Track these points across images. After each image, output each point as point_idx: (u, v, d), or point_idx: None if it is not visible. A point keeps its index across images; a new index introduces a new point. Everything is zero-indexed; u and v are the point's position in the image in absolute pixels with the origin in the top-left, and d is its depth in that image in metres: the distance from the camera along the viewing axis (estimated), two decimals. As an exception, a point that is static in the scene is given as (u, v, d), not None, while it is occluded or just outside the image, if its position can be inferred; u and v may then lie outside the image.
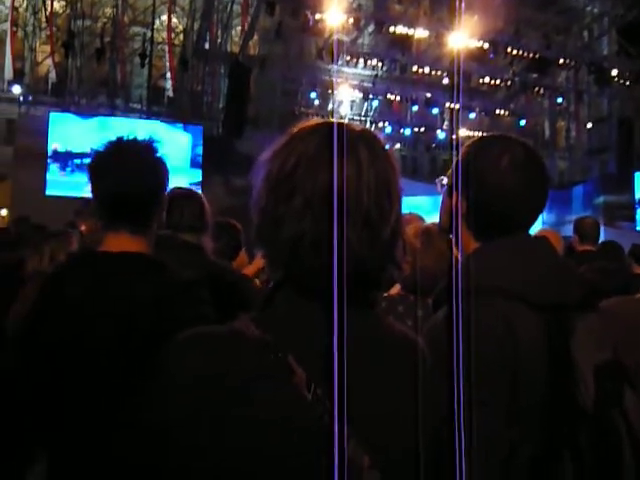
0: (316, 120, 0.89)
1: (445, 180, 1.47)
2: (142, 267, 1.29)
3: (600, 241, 4.58)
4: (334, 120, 0.88)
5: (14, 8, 24.19)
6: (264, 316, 0.84)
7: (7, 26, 25.46)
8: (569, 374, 1.29)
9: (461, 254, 1.37)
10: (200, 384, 0.78)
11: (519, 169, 1.36)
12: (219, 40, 18.37)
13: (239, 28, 19.96)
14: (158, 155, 1.40)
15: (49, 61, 23.35)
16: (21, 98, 22.81)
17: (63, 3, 22.57)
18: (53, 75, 22.49)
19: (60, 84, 21.80)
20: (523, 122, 21.30)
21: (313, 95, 18.45)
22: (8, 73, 25.33)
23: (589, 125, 23.17)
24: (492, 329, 1.25)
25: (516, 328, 1.26)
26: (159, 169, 1.38)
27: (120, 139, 1.40)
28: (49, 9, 21.41)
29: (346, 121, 0.89)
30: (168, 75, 20.47)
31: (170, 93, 20.91)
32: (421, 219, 2.94)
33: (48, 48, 23.50)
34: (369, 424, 0.78)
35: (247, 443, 0.76)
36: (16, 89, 25.18)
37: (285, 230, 0.82)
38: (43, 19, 22.71)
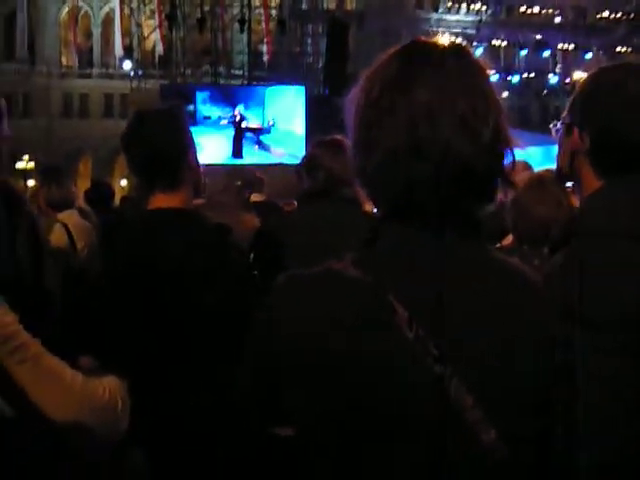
0: (396, 46, 0.87)
1: (560, 122, 1.36)
2: (171, 220, 1.48)
3: None
4: (415, 40, 0.87)
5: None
6: (366, 253, 0.82)
7: (114, 4, 26.80)
8: None
9: (581, 196, 1.26)
10: (303, 329, 0.79)
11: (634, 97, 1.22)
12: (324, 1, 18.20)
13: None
14: (177, 120, 1.58)
15: (155, 35, 24.33)
16: (132, 73, 24.01)
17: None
18: (160, 48, 23.45)
19: (166, 56, 22.69)
20: (647, 58, 19.49)
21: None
22: (118, 50, 26.78)
23: None
24: (613, 273, 1.15)
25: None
26: (179, 132, 1.54)
27: (142, 110, 1.62)
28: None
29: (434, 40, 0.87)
30: (268, 39, 20.68)
31: (267, 57, 21.14)
32: (530, 167, 2.78)
33: (153, 22, 24.49)
34: (476, 361, 0.77)
35: (356, 384, 0.76)
36: (127, 65, 26.61)
37: (379, 152, 0.80)
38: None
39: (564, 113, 1.32)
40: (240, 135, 13.91)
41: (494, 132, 0.80)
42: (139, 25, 25.28)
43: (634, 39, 19.50)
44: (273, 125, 13.94)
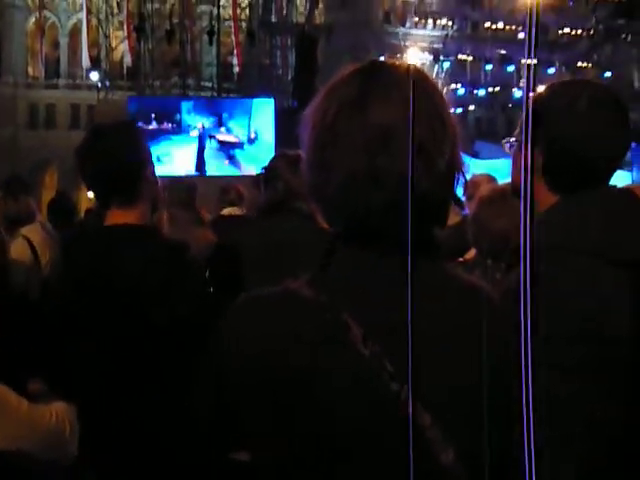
0: (354, 65, 0.86)
1: (513, 138, 1.38)
2: (127, 236, 1.46)
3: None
4: (373, 61, 0.86)
5: (87, -4, 25.14)
6: (320, 274, 0.83)
7: (82, 15, 26.51)
8: None
9: (536, 212, 1.28)
10: (263, 347, 0.79)
11: (598, 109, 1.25)
12: (284, 12, 18.30)
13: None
14: (134, 134, 1.57)
15: (123, 46, 24.11)
16: (99, 84, 23.71)
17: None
18: (128, 59, 23.25)
19: (134, 68, 22.49)
20: (608, 74, 20.05)
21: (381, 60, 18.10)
22: (85, 61, 26.45)
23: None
24: (571, 287, 1.16)
25: (597, 286, 1.16)
26: (136, 147, 1.53)
27: (99, 124, 1.58)
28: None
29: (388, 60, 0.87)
30: (236, 51, 20.67)
31: (237, 68, 21.12)
32: (494, 180, 2.82)
33: (121, 34, 24.28)
34: (433, 379, 0.77)
35: (315, 401, 0.77)
36: (94, 76, 26.28)
37: (335, 173, 0.80)
38: (114, 5, 23.40)
39: (517, 129, 1.34)
40: (202, 148, 13.85)
41: (450, 160, 0.81)
42: (107, 36, 25.04)
43: (594, 55, 20.04)
44: (256, 138, 13.87)
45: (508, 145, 1.39)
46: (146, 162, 1.53)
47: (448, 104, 0.85)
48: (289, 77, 17.62)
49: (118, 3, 22.90)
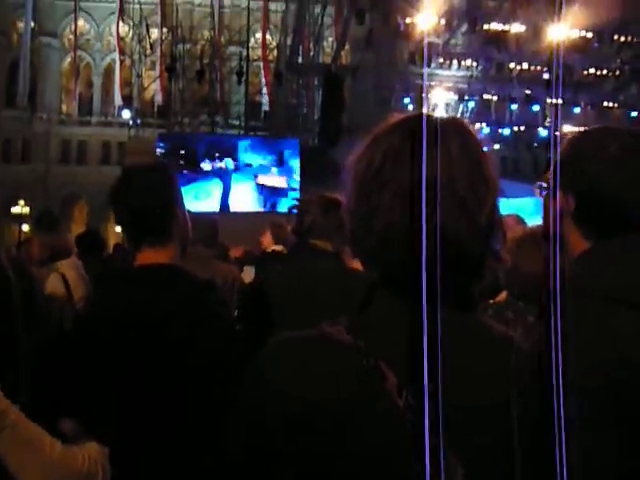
0: (399, 116, 0.88)
1: (544, 184, 1.39)
2: (159, 276, 1.46)
3: None
4: (418, 113, 0.87)
5: (120, 38, 25.98)
6: (358, 319, 0.84)
7: (115, 56, 27.42)
8: None
9: (568, 258, 1.28)
10: (295, 392, 0.79)
11: (629, 155, 1.25)
12: (311, 53, 18.69)
13: (331, 39, 20.21)
14: (165, 174, 1.57)
15: (154, 85, 24.77)
16: (130, 122, 24.29)
17: (165, 30, 23.89)
18: (159, 98, 23.85)
19: (165, 106, 23.04)
20: (635, 113, 19.95)
21: (407, 100, 18.30)
22: (117, 99, 27.21)
23: None
24: (600, 342, 1.14)
25: (628, 341, 1.14)
26: (166, 186, 1.54)
27: (131, 166, 1.58)
28: (153, 36, 22.76)
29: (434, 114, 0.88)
30: (264, 90, 21.07)
31: (266, 107, 21.50)
32: (522, 221, 2.81)
33: (153, 73, 24.98)
34: (465, 433, 0.77)
35: (344, 454, 0.76)
36: (125, 114, 26.98)
37: (376, 224, 0.81)
38: (147, 46, 24.12)
39: (547, 175, 1.35)
40: (227, 187, 13.90)
41: (490, 214, 0.82)
42: (139, 76, 25.77)
43: (620, 95, 20.00)
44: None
45: (539, 190, 1.40)
46: (177, 202, 1.55)
47: (489, 158, 0.86)
48: (315, 117, 17.88)
49: (151, 45, 23.60)
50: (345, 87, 16.29)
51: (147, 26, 23.25)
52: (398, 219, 0.80)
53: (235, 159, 13.98)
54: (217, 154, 14.14)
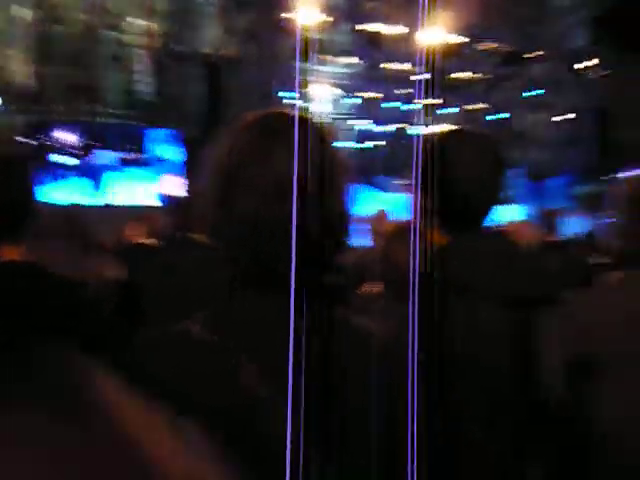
0: (259, 111, 0.92)
1: (407, 180, 1.49)
2: (10, 273, 1.40)
3: (575, 231, 4.80)
4: (275, 109, 0.92)
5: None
6: (218, 313, 0.85)
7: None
8: (534, 371, 1.29)
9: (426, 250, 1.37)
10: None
11: (479, 157, 1.38)
12: (193, 42, 18.26)
13: (213, 29, 19.85)
14: (19, 167, 1.50)
15: (27, 70, 23.10)
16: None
17: (39, 11, 22.33)
18: (31, 83, 22.25)
19: (39, 93, 21.58)
20: (500, 115, 21.46)
21: (290, 95, 18.39)
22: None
23: (566, 116, 23.38)
24: (453, 325, 1.25)
25: (481, 324, 1.25)
26: (21, 181, 1.48)
27: None
28: (26, 18, 21.20)
29: (289, 110, 0.92)
30: (143, 79, 20.32)
31: (146, 97, 20.77)
32: (395, 215, 2.96)
33: (25, 57, 23.28)
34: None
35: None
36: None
37: (235, 218, 0.84)
38: (18, 29, 22.45)
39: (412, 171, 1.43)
40: (108, 180, 13.59)
41: (342, 209, 0.87)
42: (8, 59, 23.89)
43: (491, 97, 21.41)
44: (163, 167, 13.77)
45: (404, 185, 1.50)
46: (32, 196, 1.50)
47: (344, 154, 0.91)
48: (195, 108, 17.51)
49: (23, 27, 22.01)
50: (225, 79, 16.12)
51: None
52: (254, 213, 0.82)
53: (116, 149, 13.55)
54: (98, 144, 13.61)
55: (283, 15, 15.71)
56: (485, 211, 1.42)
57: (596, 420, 1.31)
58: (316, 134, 0.89)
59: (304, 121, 0.92)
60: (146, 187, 14.16)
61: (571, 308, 1.42)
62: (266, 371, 0.78)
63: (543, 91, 22.27)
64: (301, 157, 0.83)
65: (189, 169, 12.86)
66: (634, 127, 23.23)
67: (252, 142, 0.87)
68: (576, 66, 21.22)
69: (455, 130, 1.46)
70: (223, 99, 15.14)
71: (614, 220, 1.58)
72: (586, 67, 21.02)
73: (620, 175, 1.66)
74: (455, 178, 1.37)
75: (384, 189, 16.69)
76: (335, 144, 0.94)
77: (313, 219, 0.82)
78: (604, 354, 1.36)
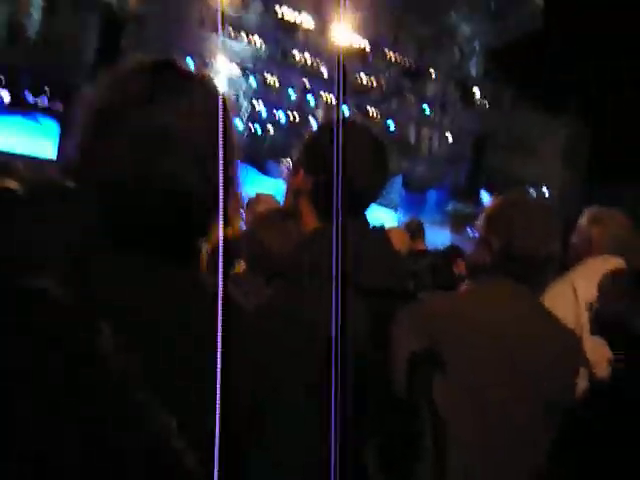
0: (147, 57, 0.83)
1: (289, 162, 1.48)
2: None
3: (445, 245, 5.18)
4: (165, 59, 0.82)
5: None
6: (74, 274, 0.75)
7: None
8: (386, 360, 1.39)
9: (301, 233, 1.43)
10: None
11: (365, 150, 1.41)
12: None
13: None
14: None
15: None
16: None
17: None
18: None
19: None
20: (392, 125, 22.26)
21: (189, 62, 17.75)
22: None
23: (449, 136, 24.76)
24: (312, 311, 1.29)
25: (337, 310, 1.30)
26: None
27: None
28: None
29: (183, 62, 0.84)
30: (31, 16, 18.71)
31: (32, 35, 19.13)
32: (276, 200, 3.00)
33: None
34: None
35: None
36: None
37: (106, 172, 0.75)
38: None
39: (294, 155, 1.47)
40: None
41: (224, 173, 0.74)
42: None
43: (384, 105, 22.09)
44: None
45: (283, 167, 1.54)
46: None
47: (231, 119, 0.84)
48: (87, 58, 16.45)
49: None
50: (126, 33, 15.31)
51: None
52: (127, 169, 0.74)
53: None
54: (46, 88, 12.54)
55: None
56: (363, 202, 1.46)
57: (437, 407, 1.46)
58: (224, 106, 0.78)
59: (194, 74, 0.82)
60: (20, 134, 13.18)
61: (420, 306, 1.56)
62: (125, 339, 0.70)
63: (430, 109, 23.43)
64: (187, 110, 0.76)
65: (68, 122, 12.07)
66: (507, 155, 25.17)
67: (135, 89, 0.77)
68: (465, 92, 22.58)
69: (352, 123, 1.51)
70: (118, 54, 14.40)
71: (474, 236, 1.76)
72: (473, 94, 22.43)
73: (488, 196, 1.85)
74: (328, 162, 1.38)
75: (272, 174, 16.74)
76: (228, 111, 0.81)
77: (192, 177, 0.76)
78: (441, 350, 1.50)
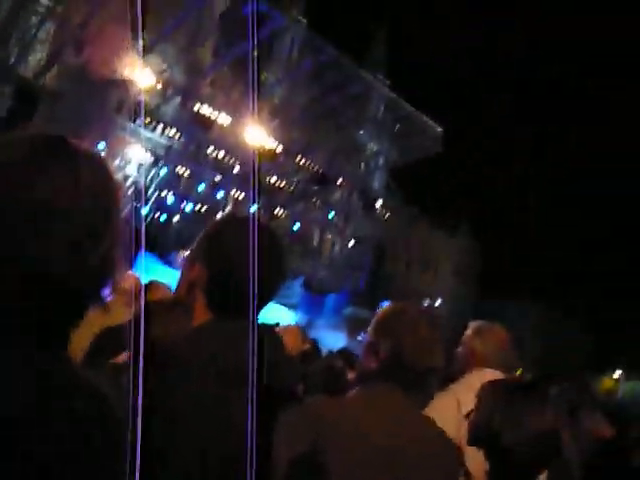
0: (30, 131, 0.79)
1: (187, 254, 1.48)
2: None
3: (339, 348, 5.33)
4: (59, 135, 0.79)
5: None
6: None
7: None
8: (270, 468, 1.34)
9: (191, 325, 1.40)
10: None
11: (265, 252, 1.41)
12: (12, 60, 16.96)
13: (40, 55, 18.71)
14: None
15: None
16: None
17: None
18: None
19: None
20: (297, 227, 22.84)
21: (101, 146, 17.66)
22: None
23: (351, 243, 25.68)
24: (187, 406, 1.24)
25: (223, 411, 1.26)
26: None
27: None
28: None
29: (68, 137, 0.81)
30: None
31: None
32: (165, 287, 2.91)
33: None
34: None
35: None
36: None
37: None
38: None
39: (192, 245, 1.47)
40: None
41: (104, 257, 0.75)
42: None
43: (288, 207, 22.71)
44: None
45: (180, 258, 1.53)
46: None
47: (118, 200, 0.80)
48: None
49: None
50: (41, 108, 15.09)
51: None
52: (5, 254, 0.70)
53: None
54: None
55: (118, 67, 15.43)
56: (261, 299, 1.44)
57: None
58: (93, 164, 0.77)
59: (81, 147, 0.78)
60: None
61: (306, 409, 1.54)
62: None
63: (334, 215, 24.38)
64: (72, 186, 0.72)
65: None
66: (405, 266, 26.42)
67: (23, 156, 0.73)
68: (368, 202, 23.80)
69: (241, 217, 1.52)
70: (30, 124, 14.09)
71: (364, 341, 1.79)
72: (376, 205, 23.69)
73: (383, 304, 1.90)
74: (232, 257, 1.38)
75: (171, 265, 16.41)
76: (115, 194, 0.79)
77: (73, 268, 0.71)
78: (324, 456, 1.48)
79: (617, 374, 28.79)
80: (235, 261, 1.35)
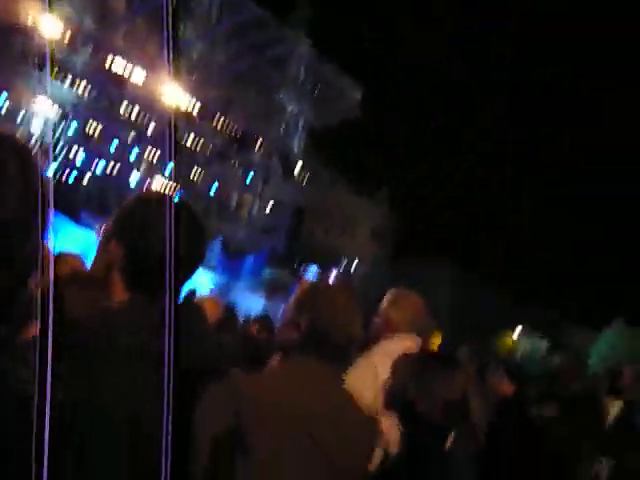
0: None
1: (103, 230, 1.42)
2: None
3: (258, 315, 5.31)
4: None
5: None
6: None
7: None
8: (190, 443, 1.33)
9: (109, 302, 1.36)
10: None
11: (184, 224, 1.38)
12: None
13: None
14: None
15: None
16: None
17: None
18: None
19: None
20: (214, 188, 22.48)
21: (2, 98, 16.47)
22: None
23: (270, 204, 25.59)
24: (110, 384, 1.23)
25: (140, 387, 1.24)
26: None
27: None
28: None
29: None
30: None
31: None
32: (82, 262, 2.77)
33: None
34: None
35: None
36: None
37: None
38: None
39: (107, 222, 1.41)
40: None
41: (31, 249, 0.77)
42: None
43: (208, 168, 22.28)
44: None
45: (97, 233, 1.44)
46: None
47: (47, 182, 0.80)
48: None
49: None
50: None
51: None
52: None
53: None
54: None
55: (21, 12, 14.35)
56: (182, 275, 1.42)
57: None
58: (24, 157, 0.78)
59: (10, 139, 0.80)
60: None
61: (227, 384, 1.54)
62: None
63: (253, 176, 24.17)
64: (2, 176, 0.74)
65: None
66: (324, 228, 26.71)
67: None
68: (287, 165, 23.75)
69: (156, 193, 1.48)
70: None
71: (282, 317, 1.80)
72: (295, 168, 23.68)
73: (306, 272, 1.92)
74: (146, 237, 1.35)
75: (85, 224, 15.76)
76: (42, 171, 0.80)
77: None
78: (246, 431, 1.49)
79: (515, 334, 30.55)
80: (152, 238, 1.30)
